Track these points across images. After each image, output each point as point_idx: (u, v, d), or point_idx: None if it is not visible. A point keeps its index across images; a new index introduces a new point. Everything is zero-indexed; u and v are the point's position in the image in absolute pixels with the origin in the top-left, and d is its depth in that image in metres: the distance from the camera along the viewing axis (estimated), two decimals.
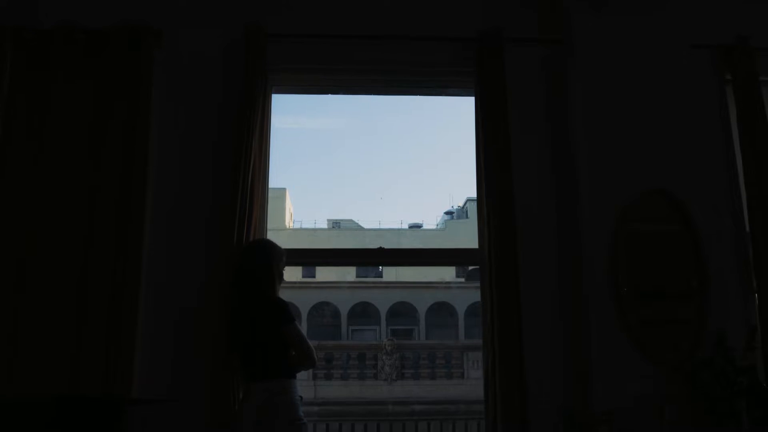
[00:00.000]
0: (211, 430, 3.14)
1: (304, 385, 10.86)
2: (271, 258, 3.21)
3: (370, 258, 4.90)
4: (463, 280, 22.40)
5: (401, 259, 5.51)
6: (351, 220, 26.81)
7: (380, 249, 4.03)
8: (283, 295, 3.24)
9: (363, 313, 21.42)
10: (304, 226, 25.45)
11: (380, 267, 23.57)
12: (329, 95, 4.34)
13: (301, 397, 3.06)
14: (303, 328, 7.43)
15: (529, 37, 3.90)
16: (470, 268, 20.89)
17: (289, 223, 24.66)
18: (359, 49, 3.84)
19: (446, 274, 22.40)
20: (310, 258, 4.65)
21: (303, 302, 19.61)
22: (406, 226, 25.94)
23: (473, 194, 3.74)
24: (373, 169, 37.56)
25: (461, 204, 26.36)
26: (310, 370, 12.51)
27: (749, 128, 3.71)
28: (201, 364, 3.26)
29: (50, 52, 3.51)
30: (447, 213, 26.90)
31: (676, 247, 3.64)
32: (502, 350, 3.35)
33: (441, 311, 21.24)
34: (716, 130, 3.82)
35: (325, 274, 22.26)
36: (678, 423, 3.23)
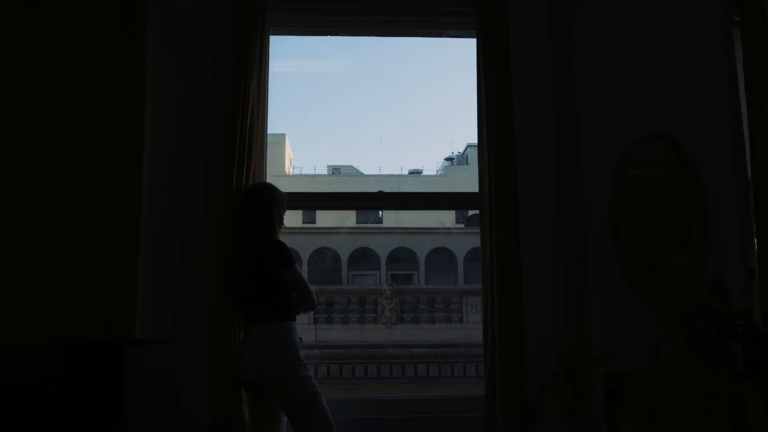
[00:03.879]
0: (213, 371, 3.19)
1: (305, 328, 11.00)
2: (272, 201, 3.20)
3: (371, 202, 4.90)
4: (462, 225, 22.49)
5: (401, 203, 5.51)
6: (351, 166, 26.77)
7: (380, 192, 4.02)
8: (284, 240, 3.24)
9: (363, 257, 21.56)
10: (303, 172, 25.42)
11: (380, 212, 23.64)
12: (329, 37, 4.25)
13: (300, 338, 3.10)
14: (304, 272, 7.48)
15: None
16: (470, 213, 20.97)
17: (288, 169, 24.60)
18: None
19: (446, 219, 22.48)
20: (311, 202, 4.64)
21: (303, 247, 19.73)
22: (406, 172, 25.90)
23: (474, 140, 3.71)
24: (373, 114, 37.32)
25: (461, 150, 26.26)
26: (311, 314, 12.70)
27: (755, 71, 3.65)
28: (202, 306, 3.29)
29: None
30: (447, 159, 26.82)
31: (677, 192, 3.64)
32: (501, 294, 3.37)
33: (440, 256, 21.38)
34: (721, 73, 3.77)
35: (325, 219, 22.34)
36: (673, 364, 3.27)
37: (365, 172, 25.78)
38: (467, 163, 23.76)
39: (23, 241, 3.25)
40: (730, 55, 3.79)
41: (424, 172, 26.36)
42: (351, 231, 21.78)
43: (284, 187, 3.39)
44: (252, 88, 3.45)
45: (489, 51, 3.58)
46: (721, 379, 3.17)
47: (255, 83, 3.48)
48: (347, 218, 22.61)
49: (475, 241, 4.50)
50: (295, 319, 3.11)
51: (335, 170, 26.32)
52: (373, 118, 37.82)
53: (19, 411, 1.96)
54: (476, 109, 3.63)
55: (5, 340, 3.05)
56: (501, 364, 3.31)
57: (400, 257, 21.56)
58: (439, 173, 26.13)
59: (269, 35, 3.70)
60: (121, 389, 1.94)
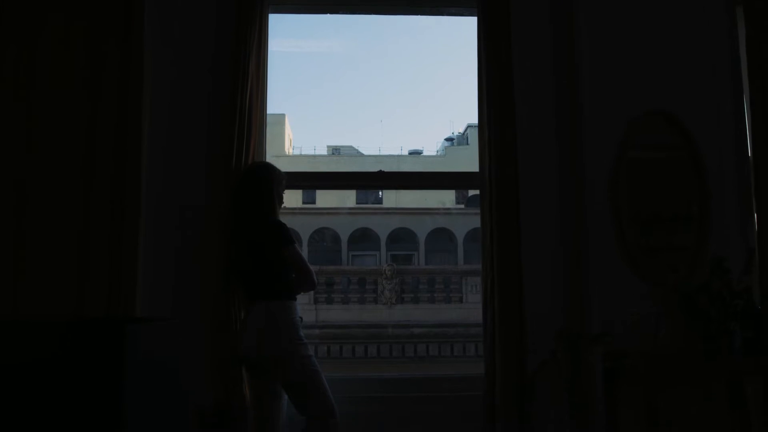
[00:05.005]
0: (213, 350, 3.20)
1: (305, 309, 11.03)
2: (271, 180, 3.20)
3: (371, 181, 4.89)
4: (462, 206, 22.50)
5: (401, 183, 5.50)
6: (351, 147, 26.72)
7: (380, 172, 4.01)
8: (283, 220, 3.24)
9: (363, 238, 21.60)
10: (303, 152, 25.37)
11: (380, 193, 23.64)
12: (329, 16, 4.21)
13: (301, 318, 3.11)
14: (304, 252, 7.50)
15: None
16: (470, 194, 20.97)
17: (288, 149, 24.56)
18: None
19: (446, 199, 22.49)
20: (311, 181, 4.65)
21: (303, 227, 19.76)
22: (406, 153, 25.86)
23: (474, 120, 3.69)
24: (373, 94, 37.19)
25: (462, 130, 26.19)
26: (312, 294, 12.75)
27: (758, 51, 3.62)
28: (203, 286, 3.29)
29: None
30: (447, 139, 26.76)
31: (679, 172, 3.62)
32: (500, 274, 3.37)
33: (440, 236, 21.41)
34: (724, 53, 3.74)
35: (325, 200, 22.35)
36: (672, 343, 3.28)
37: (365, 152, 25.73)
38: (467, 144, 23.69)
39: (24, 222, 3.24)
40: (733, 35, 3.76)
41: (424, 153, 26.31)
42: (351, 211, 21.79)
43: (284, 167, 3.38)
44: (251, 67, 3.42)
45: (490, 28, 3.55)
46: (719, 359, 3.18)
47: (254, 62, 3.45)
48: (347, 198, 22.61)
49: (475, 221, 4.50)
50: (295, 299, 3.12)
51: (335, 150, 26.26)
52: (374, 99, 37.75)
53: (20, 389, 1.97)
54: (476, 88, 3.60)
55: (7, 319, 3.06)
56: (501, 343, 3.32)
57: (400, 237, 21.59)
58: (439, 153, 26.07)
59: (269, 13, 3.66)
60: (122, 367, 1.95)
